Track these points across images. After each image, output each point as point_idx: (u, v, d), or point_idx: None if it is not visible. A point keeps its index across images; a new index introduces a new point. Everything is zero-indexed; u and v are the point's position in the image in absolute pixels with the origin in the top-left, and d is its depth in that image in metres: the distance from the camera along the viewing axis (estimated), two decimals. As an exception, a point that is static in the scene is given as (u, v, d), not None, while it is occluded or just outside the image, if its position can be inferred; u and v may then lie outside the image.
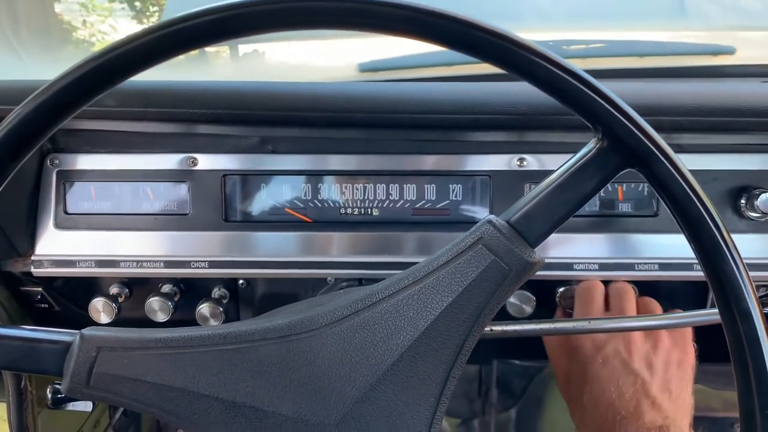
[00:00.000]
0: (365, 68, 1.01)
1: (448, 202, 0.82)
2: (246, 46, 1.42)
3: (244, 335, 0.51)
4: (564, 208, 0.47)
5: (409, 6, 0.43)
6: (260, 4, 0.43)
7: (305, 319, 0.51)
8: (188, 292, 0.86)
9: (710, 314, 0.67)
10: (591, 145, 0.46)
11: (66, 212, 0.82)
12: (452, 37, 0.44)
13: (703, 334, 0.96)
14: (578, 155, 0.46)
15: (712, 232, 0.43)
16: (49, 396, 0.82)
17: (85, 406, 0.98)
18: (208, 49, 1.48)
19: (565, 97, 0.44)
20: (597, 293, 0.79)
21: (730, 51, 1.01)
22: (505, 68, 0.45)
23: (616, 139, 0.44)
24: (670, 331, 0.77)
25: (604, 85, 0.43)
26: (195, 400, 0.50)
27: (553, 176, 0.47)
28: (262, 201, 0.82)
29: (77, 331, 0.50)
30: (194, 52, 1.45)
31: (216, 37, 0.43)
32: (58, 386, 0.83)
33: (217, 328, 0.52)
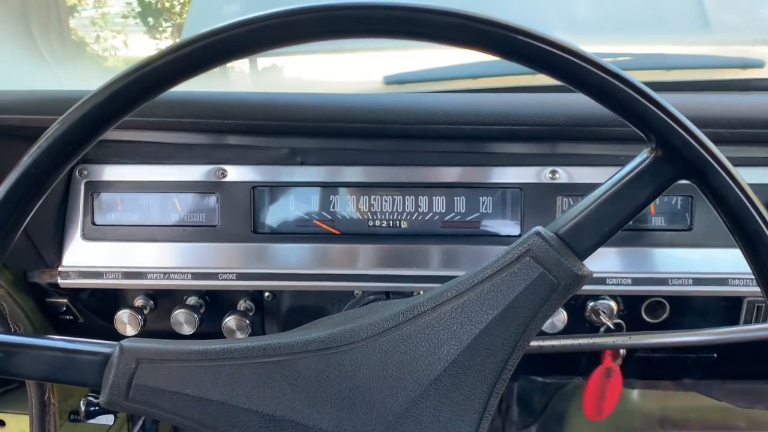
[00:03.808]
0: (391, 81, 1.00)
1: (477, 214, 0.81)
2: (265, 60, 1.42)
3: (284, 347, 0.50)
4: (615, 220, 0.46)
5: (460, 14, 0.42)
6: (308, 12, 0.43)
7: (346, 332, 0.50)
8: (214, 304, 0.86)
9: (762, 329, 0.66)
10: (644, 155, 0.45)
11: (94, 223, 0.82)
12: (501, 45, 0.43)
13: (729, 353, 0.94)
14: (631, 165, 0.45)
15: None
16: (83, 408, 0.82)
17: (107, 419, 0.97)
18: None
19: (617, 105, 0.43)
20: None
21: (759, 64, 0.99)
22: (556, 76, 0.44)
23: (672, 149, 0.43)
24: None
25: (658, 95, 0.43)
26: (234, 414, 0.49)
27: (604, 187, 0.46)
28: (291, 212, 0.82)
29: (116, 343, 0.49)
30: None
31: (269, 44, 0.42)
32: (91, 398, 0.83)
33: (256, 340, 0.51)
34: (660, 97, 0.42)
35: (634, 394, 1.38)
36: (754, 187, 0.77)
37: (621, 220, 0.46)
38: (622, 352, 0.79)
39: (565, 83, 0.44)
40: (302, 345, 0.50)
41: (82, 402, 0.81)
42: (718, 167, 0.42)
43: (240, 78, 1.47)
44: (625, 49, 1.07)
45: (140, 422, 1.12)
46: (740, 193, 0.42)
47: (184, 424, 0.50)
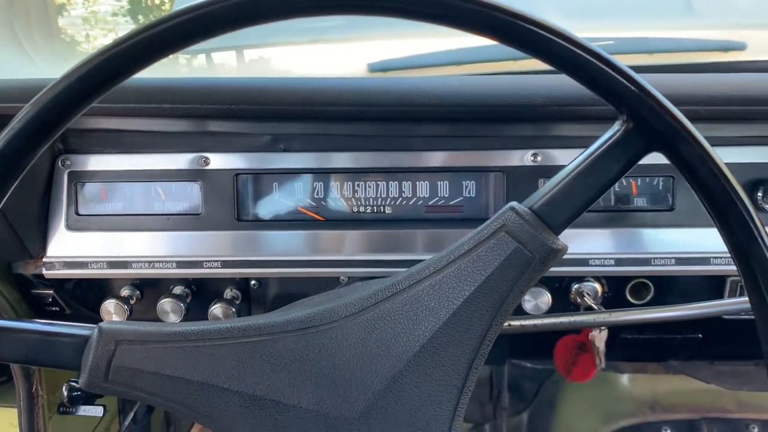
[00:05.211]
0: (375, 68, 1.01)
1: (461, 198, 0.81)
2: (251, 52, 1.42)
3: (264, 328, 0.50)
4: (588, 194, 0.46)
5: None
6: None
7: (325, 311, 0.51)
8: (200, 293, 0.86)
9: (740, 303, 0.66)
10: (615, 128, 0.45)
11: (77, 213, 0.81)
12: (470, 19, 0.43)
13: (717, 334, 0.95)
14: (602, 139, 0.46)
15: (741, 214, 0.43)
16: (65, 393, 0.81)
17: (96, 411, 0.97)
18: (213, 55, 1.48)
19: (588, 78, 0.44)
20: None
21: (741, 47, 1.00)
22: (526, 50, 0.44)
23: (642, 120, 0.43)
24: None
25: (628, 66, 0.43)
26: (214, 394, 0.49)
27: (576, 161, 0.47)
28: (275, 200, 0.82)
29: (95, 325, 0.49)
30: (202, 59, 1.45)
31: (239, 22, 0.42)
32: (73, 383, 0.82)
33: (236, 321, 0.51)
34: (629, 68, 0.43)
35: (624, 378, 1.39)
36: (732, 166, 0.78)
37: (594, 194, 0.46)
38: (604, 334, 0.80)
39: (537, 58, 0.44)
40: (282, 325, 0.51)
41: (64, 388, 0.81)
42: (688, 137, 0.42)
43: (227, 71, 1.47)
44: (608, 34, 1.07)
45: (131, 414, 1.12)
46: (710, 163, 0.43)
47: (164, 405, 0.50)
